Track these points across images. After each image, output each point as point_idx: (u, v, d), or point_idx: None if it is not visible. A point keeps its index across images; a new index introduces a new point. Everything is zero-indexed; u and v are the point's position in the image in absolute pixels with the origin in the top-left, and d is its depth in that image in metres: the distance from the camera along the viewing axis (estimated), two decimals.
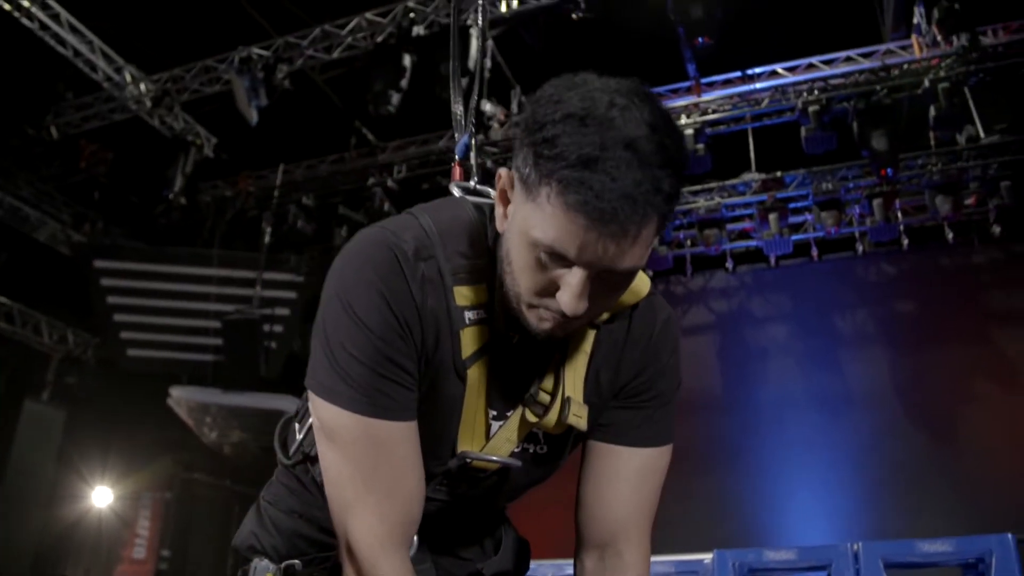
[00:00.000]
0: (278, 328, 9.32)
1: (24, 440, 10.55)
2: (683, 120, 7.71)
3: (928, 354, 7.67)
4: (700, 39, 6.38)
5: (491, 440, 1.29)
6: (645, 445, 1.35)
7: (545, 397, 1.26)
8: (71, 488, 10.42)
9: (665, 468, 1.38)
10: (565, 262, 1.09)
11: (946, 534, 3.24)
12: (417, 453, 1.21)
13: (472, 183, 1.45)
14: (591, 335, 1.28)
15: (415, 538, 1.30)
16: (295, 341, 9.99)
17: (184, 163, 8.53)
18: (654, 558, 2.85)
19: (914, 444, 7.37)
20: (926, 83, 6.83)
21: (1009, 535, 2.81)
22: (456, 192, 1.42)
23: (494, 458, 1.28)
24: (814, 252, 8.34)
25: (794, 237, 8.23)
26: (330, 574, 1.44)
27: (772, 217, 8.02)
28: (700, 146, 7.61)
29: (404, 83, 7.21)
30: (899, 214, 7.99)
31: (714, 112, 7.70)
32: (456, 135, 1.64)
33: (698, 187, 8.42)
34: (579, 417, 1.26)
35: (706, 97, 7.64)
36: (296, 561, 1.45)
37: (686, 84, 7.72)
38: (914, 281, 8.07)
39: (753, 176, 8.16)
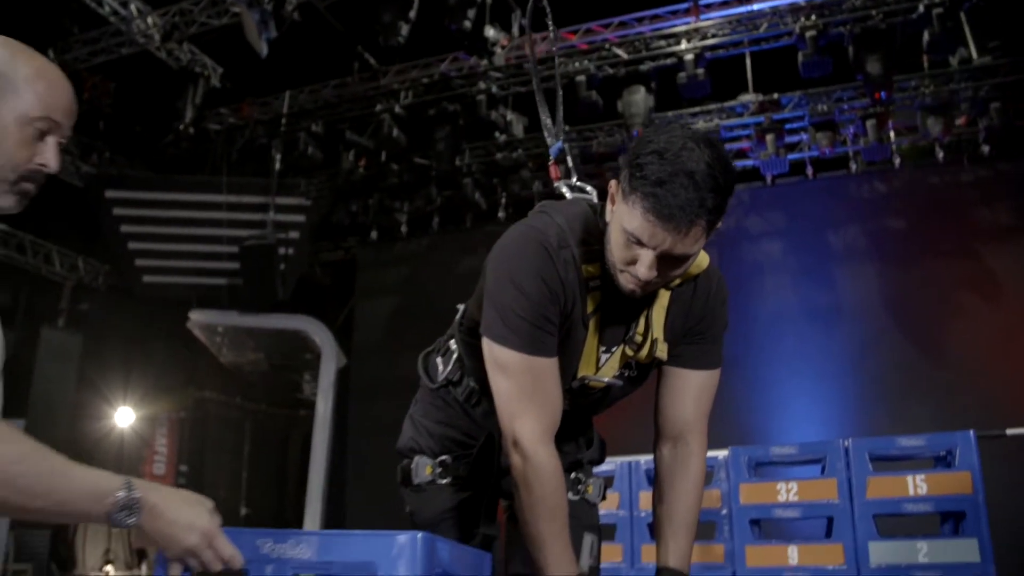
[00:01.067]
0: (289, 251, 9.86)
1: (45, 366, 11.16)
2: (683, 45, 8.14)
3: (916, 268, 8.31)
4: None
5: (601, 368, 1.88)
6: (703, 368, 1.95)
7: (639, 338, 1.85)
8: (91, 409, 11.05)
9: (716, 384, 1.98)
10: (641, 245, 1.66)
11: (926, 431, 3.90)
12: (559, 379, 1.80)
13: (573, 180, 2.03)
14: (668, 295, 1.86)
15: None
16: (304, 263, 10.55)
17: (193, 94, 8.91)
18: None
19: (901, 352, 8.09)
20: (920, 8, 7.26)
21: (971, 432, 3.45)
22: (566, 191, 2.00)
23: (604, 379, 1.89)
24: (809, 171, 8.90)
25: (790, 156, 8.77)
26: (470, 466, 2.06)
27: (769, 138, 8.54)
28: (700, 71, 8.07)
29: (412, 14, 7.57)
30: (891, 134, 8.52)
31: (713, 36, 8.12)
32: (548, 139, 2.21)
33: (697, 109, 8.91)
34: (663, 351, 1.86)
35: (705, 21, 8.04)
36: (447, 457, 2.07)
37: (684, 6, 8.12)
38: (905, 199, 8.66)
39: (750, 98, 8.63)
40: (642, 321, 1.85)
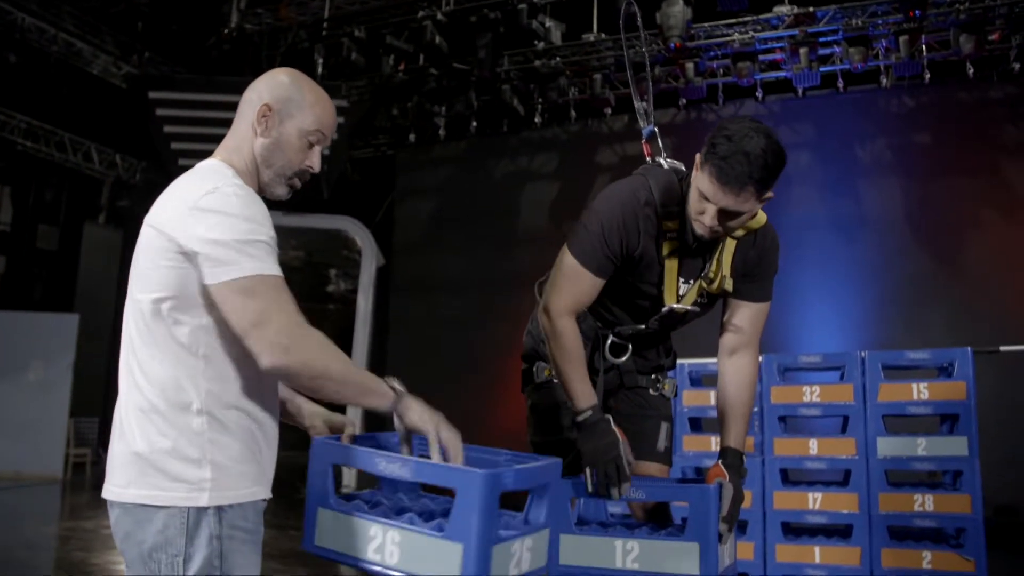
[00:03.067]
0: (330, 152, 10.55)
1: (89, 261, 12.03)
2: None
3: (939, 183, 9.01)
4: None
5: (681, 298, 2.68)
6: (758, 301, 2.70)
7: (712, 275, 2.62)
8: None
9: (767, 313, 2.75)
10: (708, 201, 2.41)
11: (941, 344, 4.67)
12: (596, 292, 2.55)
13: (660, 158, 2.77)
14: (734, 243, 2.63)
15: (629, 348, 2.73)
16: (343, 163, 11.25)
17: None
18: (707, 360, 4.31)
19: (920, 264, 8.89)
20: None
21: (968, 348, 4.27)
22: (663, 164, 2.74)
23: (686, 307, 2.68)
24: (840, 84, 9.49)
25: (822, 69, 9.35)
26: None
27: (802, 51, 9.14)
28: None
29: None
30: (924, 48, 9.05)
31: None
32: (641, 123, 2.96)
33: (733, 20, 9.45)
34: (730, 285, 2.64)
35: None
36: None
37: None
38: (932, 114, 9.27)
39: (786, 10, 9.16)
40: (714, 262, 2.65)
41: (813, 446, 4.41)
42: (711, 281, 2.63)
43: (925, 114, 9.35)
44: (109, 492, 1.74)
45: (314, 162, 1.94)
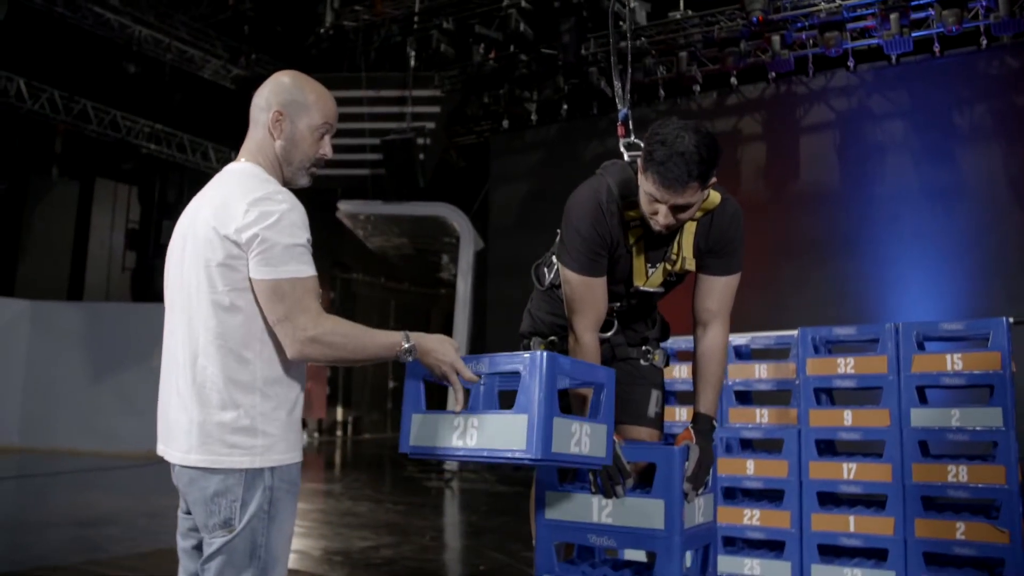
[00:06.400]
0: (427, 141, 11.03)
1: None
2: None
3: None
4: None
5: (649, 279, 2.94)
6: (724, 274, 2.84)
7: (674, 257, 2.79)
8: None
9: (735, 285, 2.95)
10: (657, 202, 2.67)
11: None
12: (605, 292, 2.88)
13: (631, 138, 3.00)
14: (694, 225, 2.87)
15: (615, 323, 3.00)
16: (439, 152, 11.70)
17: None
18: (757, 333, 4.48)
19: (1021, 233, 8.61)
20: None
21: (1004, 319, 4.26)
22: (622, 147, 2.98)
23: (652, 289, 2.95)
24: (936, 48, 9.24)
25: (915, 34, 9.15)
26: (567, 343, 3.16)
27: (893, 17, 8.97)
28: None
29: None
30: None
31: None
32: (618, 105, 3.20)
33: None
34: (691, 264, 2.88)
35: None
36: (554, 337, 3.19)
37: None
38: None
39: None
40: (675, 245, 2.89)
41: (848, 417, 4.50)
42: (674, 263, 2.87)
43: None
44: (172, 456, 2.07)
45: (327, 150, 2.18)
